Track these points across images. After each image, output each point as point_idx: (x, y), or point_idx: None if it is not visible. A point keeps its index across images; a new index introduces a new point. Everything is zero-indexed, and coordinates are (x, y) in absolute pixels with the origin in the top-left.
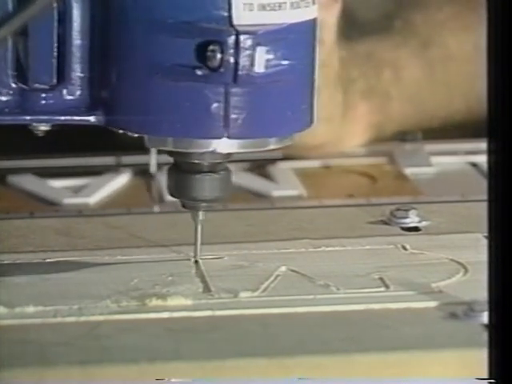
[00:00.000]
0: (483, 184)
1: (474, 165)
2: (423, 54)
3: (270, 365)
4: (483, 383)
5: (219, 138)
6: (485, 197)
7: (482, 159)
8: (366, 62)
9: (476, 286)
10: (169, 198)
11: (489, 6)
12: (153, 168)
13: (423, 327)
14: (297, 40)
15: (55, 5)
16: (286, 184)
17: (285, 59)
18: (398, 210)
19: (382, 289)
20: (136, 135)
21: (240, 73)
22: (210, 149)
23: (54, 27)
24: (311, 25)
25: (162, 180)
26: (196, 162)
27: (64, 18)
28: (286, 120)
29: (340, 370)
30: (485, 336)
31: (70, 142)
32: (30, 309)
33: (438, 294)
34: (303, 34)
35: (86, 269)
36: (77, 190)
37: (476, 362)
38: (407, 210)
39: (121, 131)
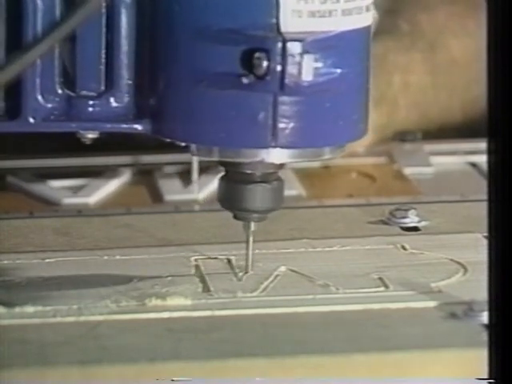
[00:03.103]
0: (483, 184)
1: (474, 165)
2: (428, 56)
3: (269, 365)
4: (483, 383)
5: (266, 147)
6: (484, 197)
7: (482, 159)
8: (376, 64)
9: (476, 285)
10: (168, 197)
11: (489, 7)
12: (195, 176)
13: (423, 327)
14: (348, 48)
15: (104, 10)
16: (285, 184)
17: (335, 67)
18: (398, 209)
19: (382, 289)
20: (183, 144)
21: (287, 81)
22: (258, 158)
23: (102, 33)
24: (364, 32)
25: (162, 180)
26: (248, 172)
27: (112, 25)
28: (337, 129)
29: (340, 369)
30: (485, 336)
31: (69, 141)
32: (30, 309)
33: (437, 293)
34: (355, 42)
35: (85, 269)
36: (77, 190)
37: (476, 361)
38: (407, 210)
39: (167, 140)
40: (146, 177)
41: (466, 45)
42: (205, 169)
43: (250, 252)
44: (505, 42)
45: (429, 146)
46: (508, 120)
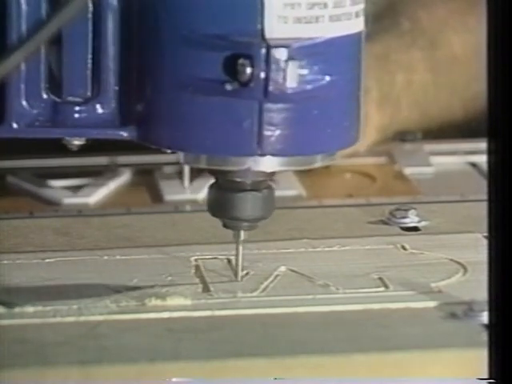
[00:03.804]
0: (483, 184)
1: (474, 165)
2: (429, 53)
3: (269, 365)
4: (483, 383)
5: (252, 155)
6: (484, 197)
7: (482, 159)
8: (376, 63)
9: (476, 285)
10: (168, 197)
11: (489, 6)
12: (186, 182)
13: (423, 327)
14: (337, 54)
15: (90, 15)
16: (285, 184)
17: (323, 74)
18: (398, 209)
19: (382, 289)
20: (169, 151)
21: (271, 88)
22: (245, 166)
23: (89, 39)
24: (355, 38)
25: (162, 180)
26: (237, 180)
27: (98, 30)
28: (326, 137)
29: (340, 370)
30: (485, 336)
31: None
32: (30, 309)
33: (437, 293)
34: (345, 48)
35: (85, 269)
36: (76, 190)
37: (476, 361)
38: (407, 210)
39: (154, 147)
40: (145, 177)
41: (467, 41)
42: (204, 169)
43: (240, 260)
44: (505, 41)
45: (429, 146)
46: (508, 120)
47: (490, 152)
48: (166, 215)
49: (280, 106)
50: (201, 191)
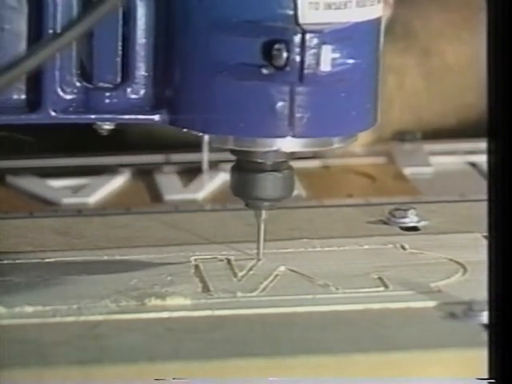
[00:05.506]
0: (483, 184)
1: (474, 165)
2: (422, 61)
3: (269, 365)
4: (483, 383)
5: (284, 136)
6: (484, 197)
7: (482, 159)
8: None
9: (475, 285)
10: (168, 197)
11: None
12: (205, 165)
13: (422, 327)
14: (362, 39)
15: (119, 4)
16: None
17: (350, 58)
18: (397, 209)
19: (381, 288)
20: (200, 134)
21: (306, 71)
22: (274, 148)
23: (119, 26)
24: (376, 23)
25: (162, 180)
26: (259, 161)
27: (128, 17)
28: (351, 119)
29: (339, 369)
30: (485, 336)
31: (69, 141)
32: (29, 309)
33: (437, 293)
34: (368, 33)
35: (85, 269)
36: (76, 190)
37: (476, 361)
38: (406, 210)
39: (185, 130)
40: (145, 177)
41: (461, 52)
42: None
43: (262, 239)
44: (505, 40)
45: (428, 146)
46: (508, 120)
47: (490, 152)
48: (166, 215)
49: (311, 88)
50: (201, 191)
